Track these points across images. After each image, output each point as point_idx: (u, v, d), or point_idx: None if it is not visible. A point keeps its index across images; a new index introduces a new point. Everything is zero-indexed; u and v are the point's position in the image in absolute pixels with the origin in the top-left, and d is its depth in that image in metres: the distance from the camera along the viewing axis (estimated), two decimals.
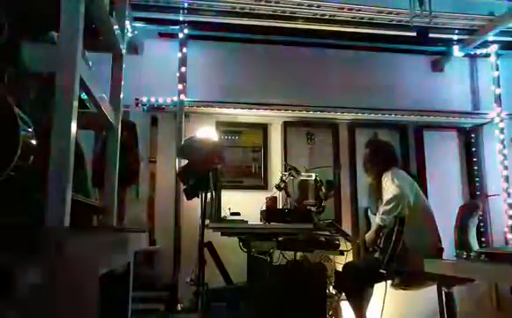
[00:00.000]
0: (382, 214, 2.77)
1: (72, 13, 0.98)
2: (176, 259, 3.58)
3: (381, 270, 2.68)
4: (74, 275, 0.74)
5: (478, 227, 3.62)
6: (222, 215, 3.03)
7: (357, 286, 2.83)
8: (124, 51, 1.65)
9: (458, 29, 4.02)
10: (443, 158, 4.26)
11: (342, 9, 3.68)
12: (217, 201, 2.98)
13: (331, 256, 3.20)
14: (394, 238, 2.68)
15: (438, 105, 4.19)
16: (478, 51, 4.31)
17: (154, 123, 3.87)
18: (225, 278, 3.12)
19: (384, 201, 2.80)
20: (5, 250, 0.72)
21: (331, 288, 3.02)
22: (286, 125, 4.05)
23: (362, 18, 3.80)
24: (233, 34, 3.96)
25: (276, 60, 4.10)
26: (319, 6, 3.64)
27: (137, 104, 3.72)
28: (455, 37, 4.10)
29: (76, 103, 0.97)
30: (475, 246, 2.95)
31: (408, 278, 2.78)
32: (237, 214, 3.01)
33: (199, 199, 2.74)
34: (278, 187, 3.25)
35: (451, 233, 2.97)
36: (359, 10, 3.69)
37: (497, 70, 4.29)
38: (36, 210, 0.89)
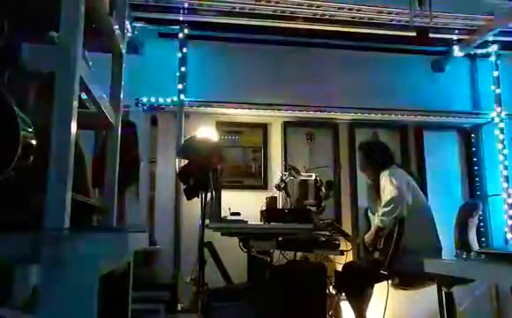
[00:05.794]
0: (382, 215, 2.78)
1: (72, 13, 0.98)
2: (176, 259, 3.59)
3: (382, 271, 2.68)
4: (74, 275, 0.74)
5: (478, 227, 3.62)
6: (222, 215, 3.03)
7: (357, 286, 2.83)
8: (124, 51, 1.64)
9: (458, 29, 4.02)
10: (443, 158, 4.26)
11: (342, 9, 3.68)
12: (217, 201, 2.98)
13: (331, 256, 3.20)
14: (394, 238, 2.68)
15: (438, 105, 4.19)
16: (478, 51, 4.31)
17: (154, 123, 3.87)
18: (225, 278, 3.12)
19: (383, 203, 2.80)
20: (5, 250, 0.72)
21: (331, 288, 3.02)
22: (286, 125, 4.06)
23: (362, 18, 3.81)
24: (233, 34, 3.97)
25: (276, 60, 4.10)
26: (319, 6, 3.64)
27: (137, 104, 3.73)
28: (455, 37, 4.11)
29: (76, 103, 0.96)
30: (475, 246, 2.94)
31: (408, 278, 2.78)
32: (237, 214, 3.01)
33: (199, 199, 2.74)
34: (278, 187, 3.25)
35: (451, 233, 2.97)
36: (359, 10, 3.70)
37: (497, 70, 4.29)
38: (36, 210, 0.89)
